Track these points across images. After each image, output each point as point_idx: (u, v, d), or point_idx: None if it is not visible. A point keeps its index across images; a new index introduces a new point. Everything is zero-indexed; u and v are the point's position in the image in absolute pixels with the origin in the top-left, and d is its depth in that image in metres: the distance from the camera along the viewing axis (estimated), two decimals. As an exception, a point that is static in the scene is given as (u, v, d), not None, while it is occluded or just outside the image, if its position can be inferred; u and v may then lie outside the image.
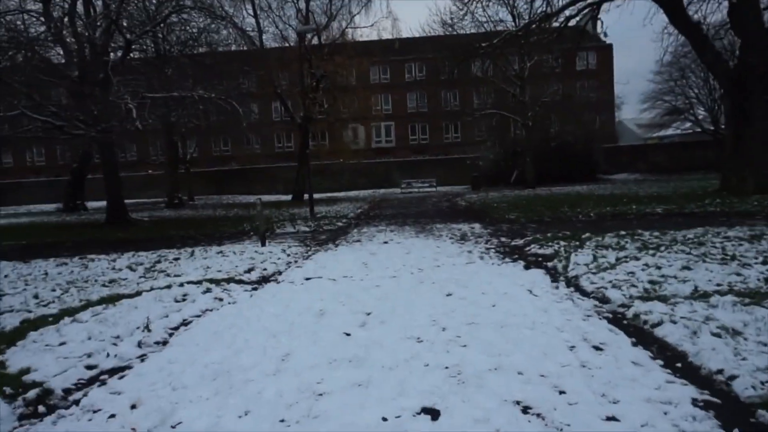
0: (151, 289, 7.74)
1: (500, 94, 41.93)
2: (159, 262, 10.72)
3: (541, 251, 10.02)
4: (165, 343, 5.39)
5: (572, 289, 6.97)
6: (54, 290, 8.43)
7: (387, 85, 56.62)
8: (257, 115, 50.35)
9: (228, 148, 56.52)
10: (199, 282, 8.06)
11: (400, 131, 57.61)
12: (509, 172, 39.00)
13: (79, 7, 20.83)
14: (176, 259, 10.98)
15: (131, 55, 24.45)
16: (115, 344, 5.22)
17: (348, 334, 5.32)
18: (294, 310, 6.43)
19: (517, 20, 30.02)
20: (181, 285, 7.84)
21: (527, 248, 10.55)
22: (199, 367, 4.52)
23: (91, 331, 5.66)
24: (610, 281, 6.92)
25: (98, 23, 20.08)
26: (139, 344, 5.20)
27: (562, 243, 10.56)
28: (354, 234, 14.57)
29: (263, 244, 12.22)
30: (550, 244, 10.59)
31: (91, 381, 4.44)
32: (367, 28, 47.33)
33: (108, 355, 4.89)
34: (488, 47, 22.61)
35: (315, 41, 31.44)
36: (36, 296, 8.01)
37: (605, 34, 24.03)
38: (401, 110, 57.35)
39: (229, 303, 6.96)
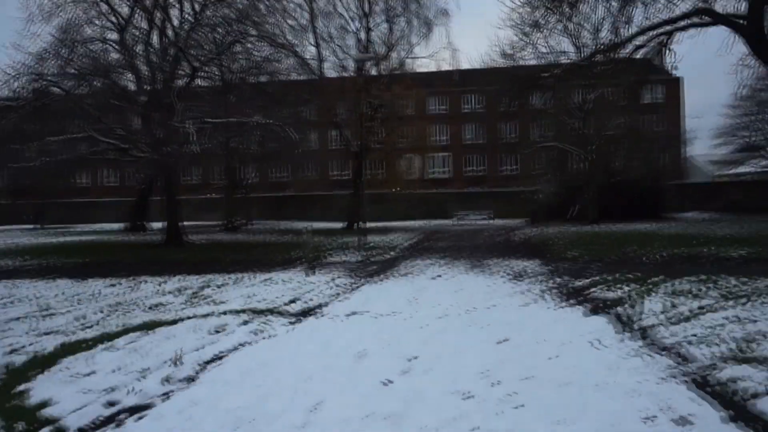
0: (191, 317, 7.52)
1: (561, 127, 40.81)
2: (205, 287, 10.60)
3: (605, 295, 9.16)
4: (192, 379, 5.05)
5: (644, 342, 6.17)
6: (99, 312, 8.39)
7: (444, 115, 56.53)
8: (315, 144, 51.39)
9: (286, 174, 57.75)
10: (239, 312, 7.78)
11: (456, 162, 57.11)
12: (568, 207, 37.54)
13: (153, 37, 21.93)
14: (223, 285, 10.84)
15: (197, 81, 25.46)
16: (141, 378, 4.93)
17: (388, 383, 4.81)
18: (333, 349, 5.99)
19: (581, 51, 29.17)
20: (221, 315, 7.59)
21: (590, 291, 9.70)
22: (221, 413, 4.13)
23: (122, 361, 5.42)
24: (690, 335, 6.08)
25: (168, 52, 21.00)
26: (166, 380, 4.88)
27: (630, 287, 9.65)
28: (404, 266, 14.07)
29: (310, 273, 11.93)
30: (616, 287, 9.71)
31: (108, 420, 4.13)
32: (426, 58, 47.62)
33: (130, 391, 4.59)
34: (550, 77, 21.93)
35: (374, 71, 31.73)
36: (82, 317, 7.96)
37: (675, 67, 22.87)
38: (458, 141, 56.94)
39: (267, 337, 6.60)
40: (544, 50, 29.21)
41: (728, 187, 43.70)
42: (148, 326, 7.01)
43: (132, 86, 21.52)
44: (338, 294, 9.79)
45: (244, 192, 42.07)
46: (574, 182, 37.97)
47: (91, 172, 60.03)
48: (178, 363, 5.31)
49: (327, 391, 4.60)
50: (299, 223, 43.16)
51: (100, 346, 6.03)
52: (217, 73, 24.62)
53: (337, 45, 30.51)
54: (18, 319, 7.99)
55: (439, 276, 11.93)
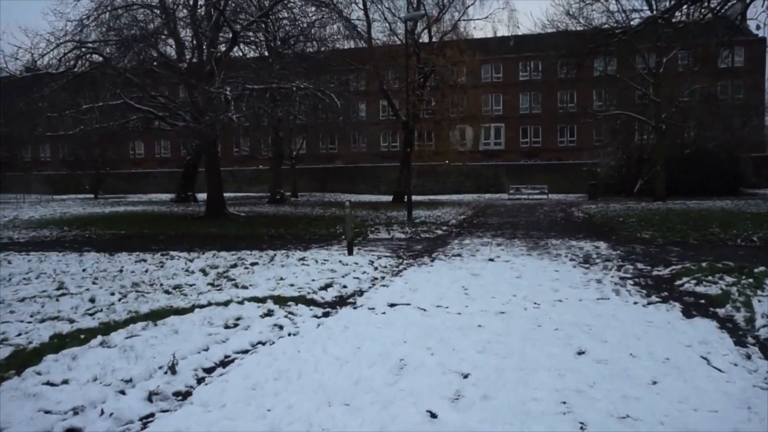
0: (208, 304, 6.54)
1: (625, 95, 37.71)
2: (234, 266, 9.68)
3: (700, 289, 7.57)
4: (186, 395, 4.00)
5: (774, 361, 4.67)
6: (114, 293, 7.56)
7: (499, 84, 53.80)
8: (364, 114, 50.13)
9: (334, 146, 56.82)
10: (263, 300, 6.74)
11: (510, 133, 54.51)
12: (632, 182, 34.87)
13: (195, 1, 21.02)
14: (254, 264, 9.89)
15: (241, 48, 24.53)
16: (122, 392, 3.92)
17: (433, 416, 3.59)
18: (365, 355, 4.82)
19: (655, 7, 26.28)
20: (242, 302, 6.56)
21: (678, 283, 8.11)
22: (203, 461, 3.03)
23: (109, 364, 4.44)
24: (841, 356, 4.54)
25: (210, 16, 20.06)
26: (150, 397, 3.85)
27: (729, 278, 8.00)
28: (454, 246, 12.74)
29: (350, 253, 10.82)
30: (710, 278, 8.07)
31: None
32: (481, 20, 44.68)
33: (102, 413, 3.57)
34: (622, 35, 19.58)
35: (425, 36, 29.88)
36: (92, 300, 7.15)
37: (758, 26, 19.96)
38: (513, 111, 54.19)
39: (289, 334, 5.50)
40: (614, 8, 26.52)
41: (817, 161, 39.54)
42: (158, 315, 6.07)
43: (173, 53, 20.80)
44: (379, 278, 8.61)
45: (291, 163, 41.51)
46: (640, 154, 35.18)
47: (145, 143, 61.24)
48: (172, 371, 4.28)
49: (350, 427, 3.43)
50: (346, 195, 42.34)
51: (95, 341, 5.11)
52: (261, 39, 23.59)
53: (386, 7, 28.80)
54: (26, 299, 7.26)
55: (495, 259, 10.54)
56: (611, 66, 36.56)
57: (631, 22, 26.14)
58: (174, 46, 20.43)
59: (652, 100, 29.35)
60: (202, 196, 35.33)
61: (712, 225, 15.30)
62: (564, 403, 3.79)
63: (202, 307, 6.45)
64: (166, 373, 4.27)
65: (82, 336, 5.35)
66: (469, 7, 29.67)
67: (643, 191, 33.22)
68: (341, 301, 7.07)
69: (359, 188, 46.24)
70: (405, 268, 9.55)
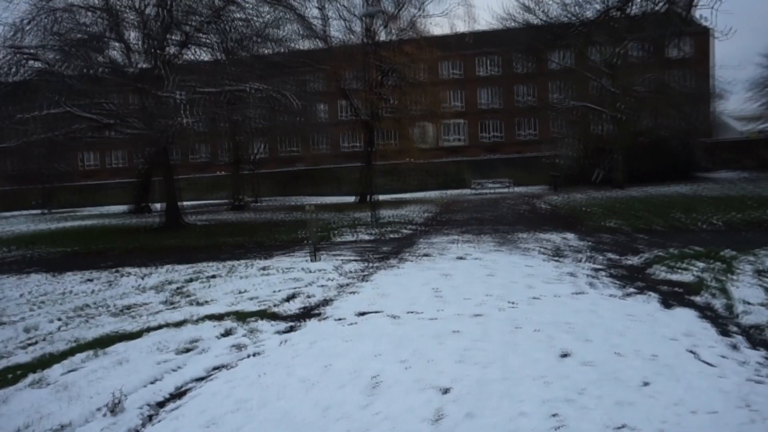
0: (159, 326, 5.99)
1: (581, 87, 38.37)
2: (192, 280, 9.08)
3: (674, 277, 7.45)
4: (131, 439, 3.50)
5: (763, 350, 4.48)
6: (57, 320, 6.90)
7: (458, 80, 53.93)
8: (325, 115, 49.53)
9: (295, 148, 55.93)
10: (222, 317, 6.23)
11: (471, 129, 54.74)
12: (591, 171, 35.48)
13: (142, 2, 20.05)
14: (213, 276, 9.31)
15: (194, 51, 23.62)
16: (53, 442, 3.39)
17: (413, 444, 3.20)
18: (335, 374, 4.39)
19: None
20: (199, 321, 6.05)
21: (650, 271, 7.99)
22: None
23: (39, 410, 3.88)
24: (829, 342, 4.38)
25: (159, 18, 19.15)
26: (88, 445, 3.33)
27: (700, 264, 7.93)
28: (422, 245, 12.42)
29: (315, 259, 10.35)
30: (681, 265, 7.99)
31: None
32: (439, 16, 44.50)
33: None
34: (581, 26, 19.70)
35: (383, 34, 29.50)
36: (29, 329, 6.48)
37: (706, 18, 20.45)
38: (473, 107, 54.46)
39: (250, 355, 5.02)
40: (569, 0, 26.76)
41: (762, 144, 41.11)
42: (103, 342, 5.49)
43: (120, 57, 19.79)
44: (346, 285, 8.17)
45: (251, 168, 40.58)
46: (597, 144, 35.80)
47: (97, 154, 58.89)
48: (116, 410, 3.76)
49: (321, 465, 3.01)
50: (309, 198, 41.67)
51: (28, 379, 4.52)
52: (214, 41, 22.71)
53: (343, 5, 28.27)
54: (-45, 332, 6.53)
55: (465, 256, 10.25)
56: (567, 59, 37.14)
57: (586, 13, 26.48)
58: (122, 50, 19.41)
59: (610, 90, 29.84)
60: (159, 206, 34.16)
61: (674, 210, 15.48)
62: (555, 415, 3.46)
63: (153, 329, 5.90)
64: (105, 415, 3.74)
65: (11, 375, 4.74)
66: (426, 3, 29.47)
67: (603, 180, 33.80)
68: (307, 313, 6.61)
69: (322, 190, 45.60)
70: (373, 272, 9.14)
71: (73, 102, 16.28)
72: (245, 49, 22.91)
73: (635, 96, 31.07)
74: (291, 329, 5.89)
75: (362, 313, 6.36)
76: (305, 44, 29.29)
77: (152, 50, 18.96)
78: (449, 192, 39.44)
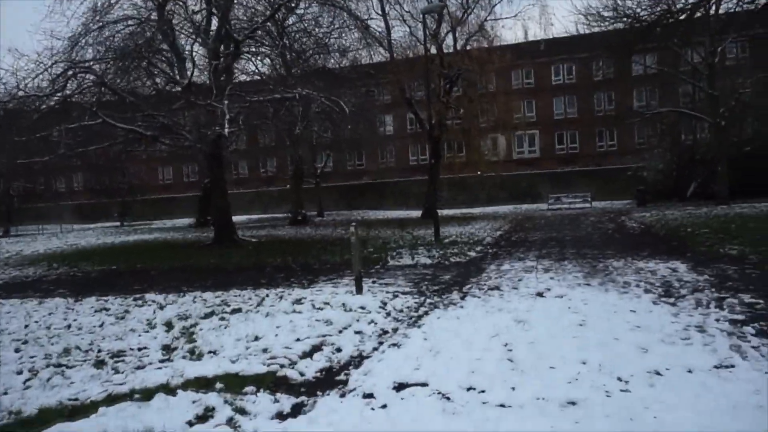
0: (126, 395, 4.43)
1: (670, 91, 34.71)
2: (209, 316, 7.59)
3: None
4: None
5: None
6: (23, 372, 5.55)
7: (531, 90, 50.95)
8: (389, 128, 48.46)
9: (362, 162, 54.98)
10: (213, 381, 4.60)
11: (545, 140, 51.48)
12: (685, 185, 31.65)
13: (195, 13, 19.46)
14: (235, 311, 7.78)
15: (252, 63, 22.94)
16: None
17: None
18: None
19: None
20: (179, 389, 4.43)
21: (821, 327, 5.58)
22: None
23: None
24: None
25: (211, 27, 18.45)
26: None
27: None
28: (491, 273, 10.38)
29: (359, 290, 8.60)
30: None
31: None
32: (510, 18, 41.76)
33: None
34: (673, 22, 16.99)
35: (450, 40, 27.71)
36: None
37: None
38: (547, 117, 51.22)
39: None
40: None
41: None
42: (40, 421, 3.99)
43: (171, 70, 19.21)
44: (390, 332, 6.34)
45: (315, 181, 39.84)
46: (692, 155, 31.99)
47: (172, 168, 60.72)
48: None
49: None
50: (374, 212, 40.32)
51: None
52: (268, 50, 21.81)
53: (406, 10, 26.82)
54: None
55: (544, 292, 8.14)
56: (651, 62, 33.73)
57: (676, 5, 23.41)
58: (174, 62, 18.80)
59: (708, 94, 26.32)
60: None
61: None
62: None
63: (119, 399, 4.35)
64: None
65: None
66: (496, 5, 27.43)
67: (698, 194, 30.01)
68: (328, 379, 4.85)
69: (388, 204, 44.26)
70: (427, 312, 7.25)
71: (121, 115, 15.66)
72: (305, 60, 21.93)
73: (738, 99, 27.28)
74: (296, 411, 4.13)
75: (401, 386, 4.51)
76: (368, 55, 28.08)
77: (209, 61, 18.21)
78: (522, 207, 36.80)
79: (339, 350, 5.59)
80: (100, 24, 17.24)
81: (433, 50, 25.67)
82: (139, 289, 10.54)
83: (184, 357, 5.61)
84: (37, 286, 11.98)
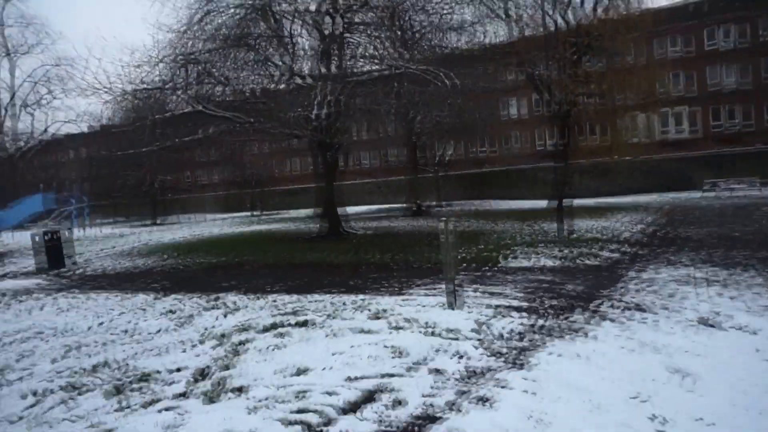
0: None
1: None
2: (271, 328, 6.36)
3: None
4: None
5: None
6: (37, 392, 4.71)
7: (678, 60, 44.31)
8: (514, 112, 45.46)
9: (485, 149, 52.19)
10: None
11: (699, 117, 44.60)
12: None
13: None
14: (298, 324, 6.47)
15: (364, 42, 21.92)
16: None
17: None
18: None
19: None
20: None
21: None
22: None
23: None
24: None
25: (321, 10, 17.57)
26: None
27: None
28: (632, 283, 8.01)
29: (453, 303, 6.86)
30: None
31: None
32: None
33: None
34: None
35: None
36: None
37: None
38: (700, 90, 44.25)
39: None
40: None
41: None
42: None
43: (279, 58, 18.70)
44: (479, 376, 4.57)
45: (435, 170, 38.32)
46: None
47: (300, 159, 62.88)
48: None
49: None
50: (498, 202, 37.79)
51: None
52: (379, 29, 20.52)
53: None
54: None
55: (714, 319, 5.76)
56: None
57: None
58: (282, 51, 18.25)
59: None
60: (349, 209, 33.75)
61: None
62: None
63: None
64: None
65: None
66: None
67: None
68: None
69: (513, 193, 41.41)
70: (539, 344, 5.30)
71: (226, 105, 15.36)
72: (418, 39, 20.37)
73: None
74: None
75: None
76: (486, 31, 25.66)
77: (318, 43, 17.35)
78: (670, 195, 32.00)
79: (399, 403, 3.96)
80: (206, 14, 17.13)
81: (559, 20, 22.71)
82: (225, 287, 9.84)
83: (202, 394, 4.36)
84: (137, 280, 11.91)
